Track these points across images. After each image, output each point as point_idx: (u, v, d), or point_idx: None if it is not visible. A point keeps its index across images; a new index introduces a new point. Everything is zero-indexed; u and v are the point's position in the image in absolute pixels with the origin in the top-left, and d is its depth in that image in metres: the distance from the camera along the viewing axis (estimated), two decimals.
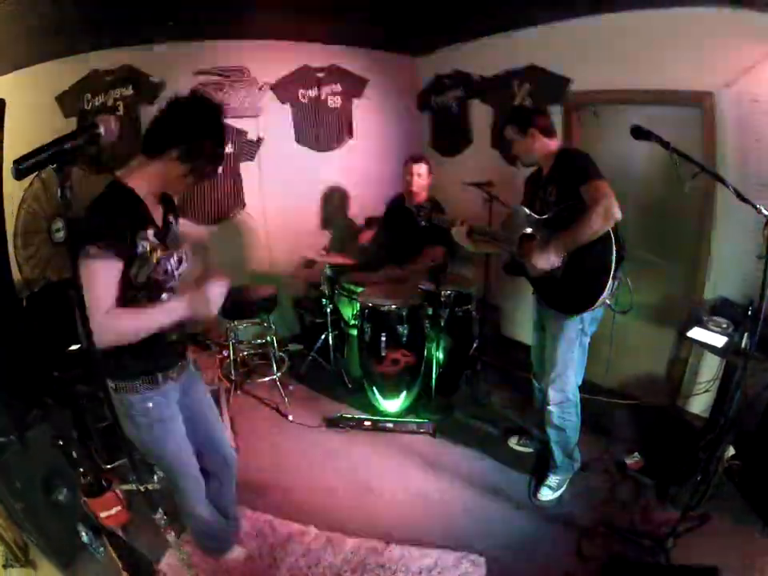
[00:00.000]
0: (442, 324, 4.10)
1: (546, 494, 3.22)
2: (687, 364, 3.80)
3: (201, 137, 1.88)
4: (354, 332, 4.28)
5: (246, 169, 4.96)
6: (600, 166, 2.66)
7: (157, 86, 4.33)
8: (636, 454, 3.41)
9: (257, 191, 5.06)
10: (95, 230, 1.70)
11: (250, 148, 4.91)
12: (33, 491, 2.55)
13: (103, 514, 2.62)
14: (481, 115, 5.09)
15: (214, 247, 4.84)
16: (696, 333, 3.15)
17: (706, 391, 3.53)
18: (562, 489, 3.26)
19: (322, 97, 5.18)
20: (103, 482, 2.64)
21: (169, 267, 1.98)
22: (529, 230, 2.93)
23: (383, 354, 3.93)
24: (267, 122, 4.94)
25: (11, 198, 3.82)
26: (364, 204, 5.60)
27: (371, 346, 4.00)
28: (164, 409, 2.09)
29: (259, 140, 4.93)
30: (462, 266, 4.84)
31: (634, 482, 3.27)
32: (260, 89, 4.81)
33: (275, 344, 4.46)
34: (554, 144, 2.92)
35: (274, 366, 4.32)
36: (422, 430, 3.88)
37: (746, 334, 2.87)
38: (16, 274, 3.71)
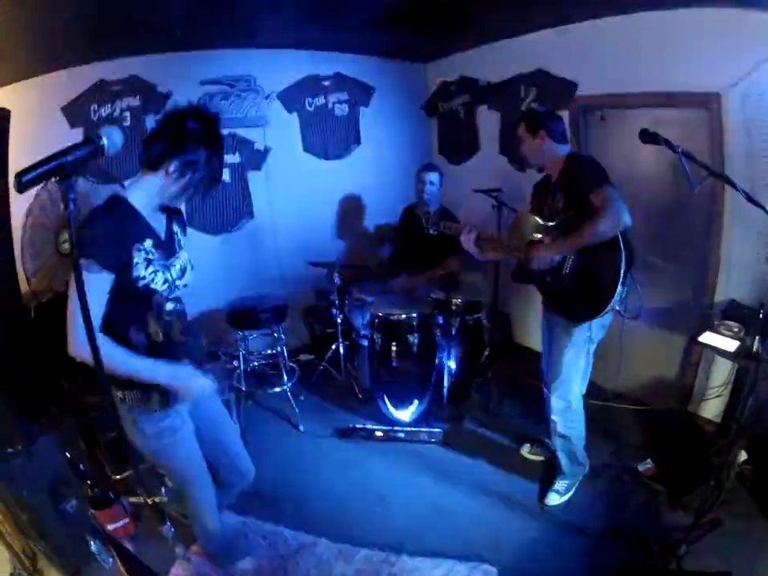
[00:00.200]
0: (453, 333, 4.09)
1: (554, 499, 3.20)
2: (698, 368, 3.75)
3: (198, 149, 1.87)
4: (365, 342, 4.27)
5: (254, 178, 4.96)
6: (608, 171, 2.64)
7: (164, 96, 4.34)
8: (648, 460, 3.37)
9: (265, 201, 5.06)
10: (86, 242, 1.69)
11: (257, 158, 4.91)
12: (40, 501, 2.53)
13: (110, 526, 2.61)
14: (488, 121, 5.08)
15: (223, 257, 4.88)
16: (707, 337, 3.11)
17: (718, 396, 3.49)
18: (570, 493, 3.24)
19: (329, 105, 5.18)
20: (110, 494, 2.63)
21: (169, 277, 1.97)
22: (537, 237, 2.90)
23: (394, 364, 3.92)
24: (274, 131, 4.94)
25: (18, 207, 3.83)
26: (372, 212, 5.59)
27: (382, 356, 3.99)
28: (173, 419, 2.07)
29: (266, 149, 4.92)
30: (472, 274, 4.81)
31: (646, 488, 3.24)
32: (267, 98, 4.82)
33: (286, 354, 4.44)
34: (563, 150, 2.89)
35: (285, 376, 4.30)
36: (433, 440, 3.86)
37: (757, 338, 2.84)
38: (23, 285, 3.70)
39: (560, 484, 3.24)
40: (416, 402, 4.03)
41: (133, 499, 2.75)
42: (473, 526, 3.08)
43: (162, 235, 2.01)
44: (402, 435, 3.92)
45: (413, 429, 3.97)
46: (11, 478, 2.48)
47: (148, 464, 2.31)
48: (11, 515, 2.45)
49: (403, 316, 3.89)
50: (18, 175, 1.24)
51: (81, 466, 2.76)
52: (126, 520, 2.66)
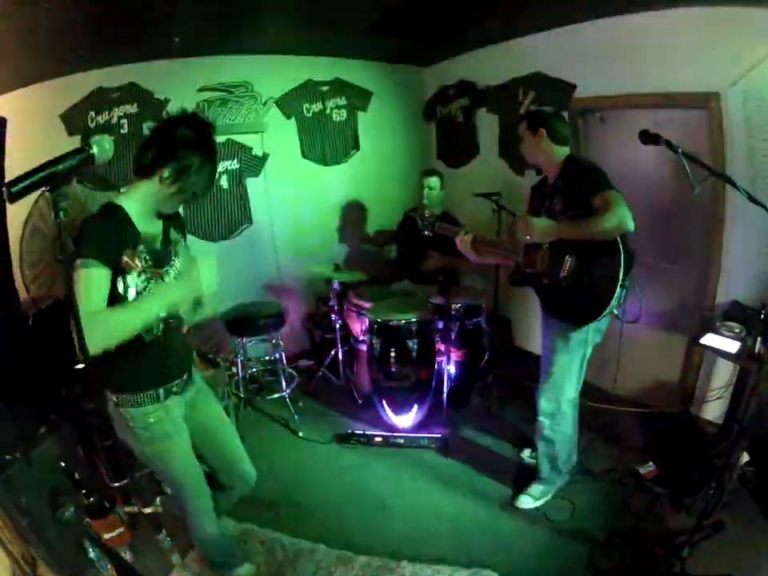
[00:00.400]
0: (453, 337, 4.07)
1: (526, 502, 3.20)
2: (700, 370, 3.73)
3: (190, 155, 1.88)
4: (364, 347, 4.25)
5: (253, 184, 4.95)
6: (607, 172, 2.64)
7: (161, 103, 4.33)
8: (650, 463, 3.36)
9: (264, 207, 5.05)
10: (84, 243, 1.72)
11: (256, 164, 4.91)
12: (39, 507, 2.54)
13: (106, 535, 2.60)
14: (487, 124, 5.07)
15: (221, 264, 4.86)
16: (709, 339, 3.09)
17: (719, 397, 3.47)
18: (545, 498, 3.23)
19: (327, 110, 5.18)
20: (106, 504, 2.61)
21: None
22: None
23: (393, 369, 3.91)
24: (272, 137, 4.94)
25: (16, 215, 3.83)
26: (371, 217, 5.59)
27: (381, 361, 3.98)
28: (166, 424, 2.08)
29: (264, 155, 4.92)
30: (471, 278, 4.81)
31: (647, 491, 3.22)
32: (265, 104, 4.81)
33: (284, 360, 4.45)
34: (562, 151, 2.87)
35: (284, 382, 4.31)
36: (433, 445, 3.84)
37: (759, 339, 2.82)
38: (22, 292, 3.70)
39: (535, 488, 3.24)
40: (416, 407, 4.01)
41: (128, 509, 2.73)
42: (473, 532, 3.08)
43: (158, 244, 2.02)
44: (401, 441, 3.91)
45: (413, 434, 3.96)
46: (10, 483, 2.48)
47: (148, 470, 2.30)
48: (11, 521, 2.44)
49: (402, 321, 3.88)
50: (9, 185, 1.24)
51: (76, 475, 2.74)
52: (122, 529, 2.63)
